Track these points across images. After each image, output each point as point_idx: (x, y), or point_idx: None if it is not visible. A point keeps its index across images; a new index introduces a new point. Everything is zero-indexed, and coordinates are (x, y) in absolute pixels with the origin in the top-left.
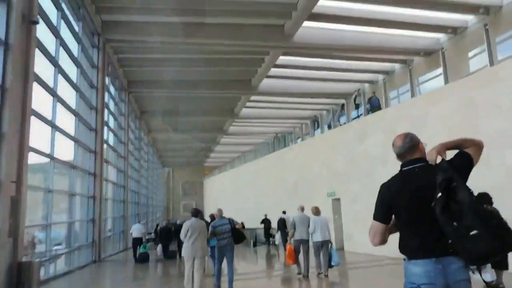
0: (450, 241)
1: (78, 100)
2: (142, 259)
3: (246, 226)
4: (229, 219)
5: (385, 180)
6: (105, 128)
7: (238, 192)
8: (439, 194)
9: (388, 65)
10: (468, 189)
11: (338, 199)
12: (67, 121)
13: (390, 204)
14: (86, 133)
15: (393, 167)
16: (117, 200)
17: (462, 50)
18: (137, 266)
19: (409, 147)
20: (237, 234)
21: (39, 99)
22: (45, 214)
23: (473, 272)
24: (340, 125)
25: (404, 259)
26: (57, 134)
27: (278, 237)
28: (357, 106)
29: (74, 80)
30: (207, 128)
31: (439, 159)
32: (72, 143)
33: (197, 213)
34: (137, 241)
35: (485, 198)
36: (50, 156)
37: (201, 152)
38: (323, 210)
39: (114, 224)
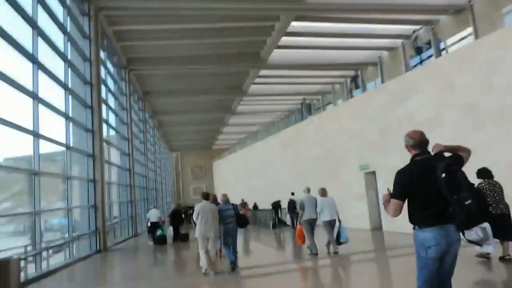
0: (449, 210)
1: (67, 71)
2: (160, 241)
3: (260, 207)
4: (233, 204)
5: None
6: (104, 106)
7: (251, 172)
8: (443, 175)
9: (409, 28)
10: (463, 172)
11: (373, 173)
12: (56, 96)
13: (407, 186)
14: (80, 111)
15: (450, 129)
16: (123, 184)
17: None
18: (146, 251)
19: (424, 142)
20: (241, 219)
21: (14, 65)
22: (32, 200)
23: (476, 243)
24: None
25: (414, 228)
26: (43, 109)
27: (288, 218)
28: (418, 50)
29: (61, 49)
30: (214, 108)
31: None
32: (64, 120)
33: (207, 196)
34: (154, 225)
35: (486, 173)
36: (34, 132)
37: (209, 134)
38: (354, 185)
39: (120, 209)
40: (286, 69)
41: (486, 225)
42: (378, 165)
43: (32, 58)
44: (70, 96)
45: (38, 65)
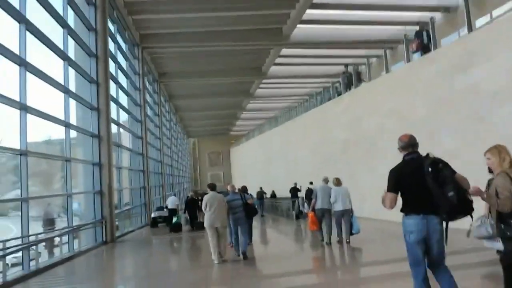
0: (434, 201)
1: (66, 39)
2: (176, 229)
3: (280, 195)
4: (240, 194)
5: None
6: (113, 84)
7: (270, 159)
8: (430, 169)
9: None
10: (450, 169)
11: None
12: (54, 67)
13: (398, 181)
14: (84, 86)
15: None
16: (135, 169)
17: None
18: (158, 242)
19: (413, 144)
20: (248, 208)
21: None
22: (18, 185)
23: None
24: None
25: (403, 216)
26: (37, 81)
27: (306, 206)
28: None
29: (59, 12)
30: (232, 91)
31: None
32: (62, 94)
33: (214, 187)
34: (172, 212)
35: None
36: (20, 105)
37: (226, 120)
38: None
39: (132, 196)
40: (311, 46)
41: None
42: (425, 150)
43: (18, 15)
44: (70, 68)
45: (26, 24)
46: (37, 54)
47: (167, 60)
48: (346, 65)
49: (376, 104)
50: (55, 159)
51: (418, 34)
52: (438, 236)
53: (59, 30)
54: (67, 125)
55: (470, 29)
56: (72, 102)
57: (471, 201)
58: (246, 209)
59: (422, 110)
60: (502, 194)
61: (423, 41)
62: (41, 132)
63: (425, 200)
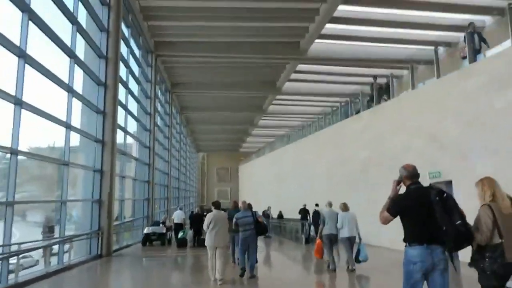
0: (436, 233)
1: (74, 36)
2: (181, 244)
3: (289, 216)
4: (252, 211)
5: None
6: (122, 89)
7: (281, 177)
8: (437, 198)
9: (477, 18)
10: (454, 200)
11: (448, 182)
12: (60, 65)
13: (403, 209)
14: (91, 87)
15: None
16: (140, 180)
17: None
18: (157, 258)
19: (416, 174)
20: (259, 226)
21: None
22: (5, 189)
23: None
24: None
25: (405, 246)
26: (38, 77)
27: (313, 229)
28: None
29: (69, 7)
30: (244, 106)
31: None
32: (65, 94)
33: (219, 205)
34: (178, 227)
35: None
36: (15, 99)
37: (237, 136)
38: None
39: (134, 208)
40: (328, 63)
41: None
42: (457, 172)
43: (21, 3)
44: (77, 68)
45: (29, 13)
46: (43, 49)
47: (181, 70)
48: (375, 77)
49: (401, 122)
50: (51, 161)
51: (468, 37)
52: (443, 266)
53: (68, 26)
54: (68, 126)
55: None
56: (78, 106)
57: (473, 233)
58: (257, 227)
59: (454, 130)
60: (478, 227)
61: (474, 46)
62: (46, 138)
63: (429, 230)
